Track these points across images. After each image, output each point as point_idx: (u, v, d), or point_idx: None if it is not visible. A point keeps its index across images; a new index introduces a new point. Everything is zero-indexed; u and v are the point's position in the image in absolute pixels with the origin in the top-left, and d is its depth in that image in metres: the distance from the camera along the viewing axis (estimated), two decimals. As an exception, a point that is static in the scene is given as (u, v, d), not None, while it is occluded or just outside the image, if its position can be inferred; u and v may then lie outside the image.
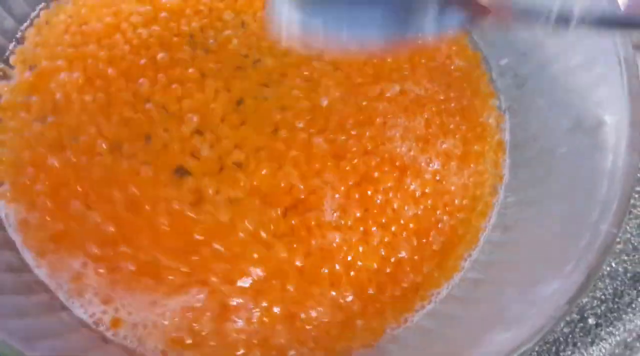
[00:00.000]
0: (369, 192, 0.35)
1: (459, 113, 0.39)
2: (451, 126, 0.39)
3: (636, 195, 0.42)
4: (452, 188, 0.38)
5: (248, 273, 0.33)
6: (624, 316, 0.40)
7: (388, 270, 0.35)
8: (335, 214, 0.35)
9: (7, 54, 0.37)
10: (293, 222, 0.34)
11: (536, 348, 0.39)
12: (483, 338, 0.29)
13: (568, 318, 0.39)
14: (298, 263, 0.34)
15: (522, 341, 0.26)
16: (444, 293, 0.35)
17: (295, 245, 0.34)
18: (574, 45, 0.34)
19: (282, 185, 0.34)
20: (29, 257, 0.33)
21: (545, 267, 0.30)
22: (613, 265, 0.41)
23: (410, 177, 0.36)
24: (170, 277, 0.32)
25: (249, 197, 0.34)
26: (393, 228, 0.35)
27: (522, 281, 0.32)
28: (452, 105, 0.39)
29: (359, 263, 0.35)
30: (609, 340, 0.39)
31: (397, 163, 0.36)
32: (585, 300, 0.40)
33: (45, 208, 0.33)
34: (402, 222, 0.36)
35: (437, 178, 0.37)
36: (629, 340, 0.39)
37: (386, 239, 0.35)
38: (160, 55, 0.36)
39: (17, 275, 0.32)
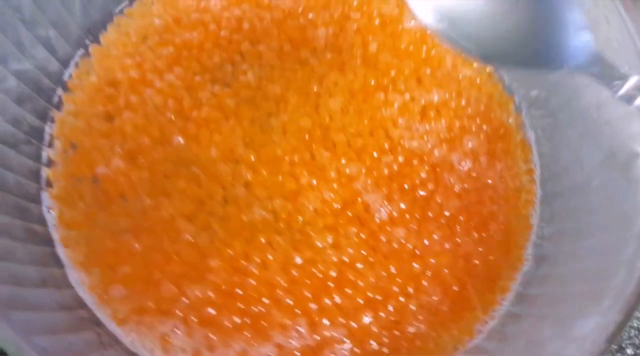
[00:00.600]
0: (406, 186, 0.38)
1: (479, 116, 0.41)
2: (473, 128, 0.40)
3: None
4: (489, 182, 0.39)
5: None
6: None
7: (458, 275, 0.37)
8: (384, 213, 0.37)
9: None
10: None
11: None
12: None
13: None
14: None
15: None
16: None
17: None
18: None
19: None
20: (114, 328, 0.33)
21: (583, 303, 0.30)
22: None
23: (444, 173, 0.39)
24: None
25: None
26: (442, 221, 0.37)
27: (559, 316, 0.32)
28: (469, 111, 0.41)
29: (433, 260, 0.36)
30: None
31: (425, 158, 0.39)
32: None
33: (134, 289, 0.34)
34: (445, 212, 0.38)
35: (473, 175, 0.39)
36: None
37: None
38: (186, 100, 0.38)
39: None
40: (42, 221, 0.35)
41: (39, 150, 0.36)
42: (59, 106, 0.38)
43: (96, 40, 0.40)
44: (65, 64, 0.39)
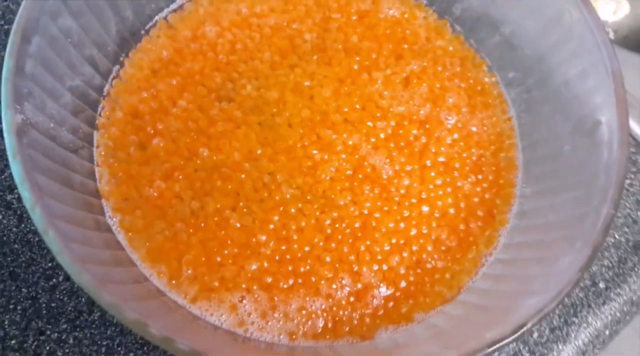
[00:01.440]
0: (402, 143, 0.45)
1: (457, 77, 0.48)
2: (452, 87, 0.48)
3: (632, 175, 0.50)
4: (474, 129, 0.46)
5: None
6: (628, 279, 0.48)
7: (462, 215, 0.44)
8: (389, 169, 0.44)
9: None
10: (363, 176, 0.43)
11: (557, 311, 0.47)
12: (515, 305, 0.36)
13: (582, 284, 0.48)
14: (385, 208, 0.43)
15: (546, 304, 0.33)
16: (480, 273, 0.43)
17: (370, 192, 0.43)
18: (569, 59, 0.41)
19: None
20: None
21: (560, 245, 0.37)
22: (616, 236, 0.48)
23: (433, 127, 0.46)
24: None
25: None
26: (441, 169, 0.45)
27: (542, 258, 0.39)
28: (447, 74, 0.48)
29: (439, 202, 0.44)
30: (618, 300, 0.48)
31: (414, 118, 0.46)
32: (595, 268, 0.48)
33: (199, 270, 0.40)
34: (441, 159, 0.45)
35: (459, 125, 0.46)
36: (634, 298, 0.47)
37: (447, 179, 0.45)
38: (201, 120, 0.44)
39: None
40: (104, 213, 0.41)
41: (92, 153, 0.43)
42: (99, 145, 0.43)
43: (127, 56, 0.46)
44: (105, 77, 0.45)
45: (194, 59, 0.46)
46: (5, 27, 0.51)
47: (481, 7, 0.47)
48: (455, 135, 0.46)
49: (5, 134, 0.32)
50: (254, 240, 0.41)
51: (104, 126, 0.43)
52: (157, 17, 0.48)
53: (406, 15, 0.50)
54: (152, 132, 0.43)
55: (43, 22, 0.36)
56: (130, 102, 0.44)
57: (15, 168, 0.31)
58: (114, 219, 0.41)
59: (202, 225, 0.41)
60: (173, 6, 0.48)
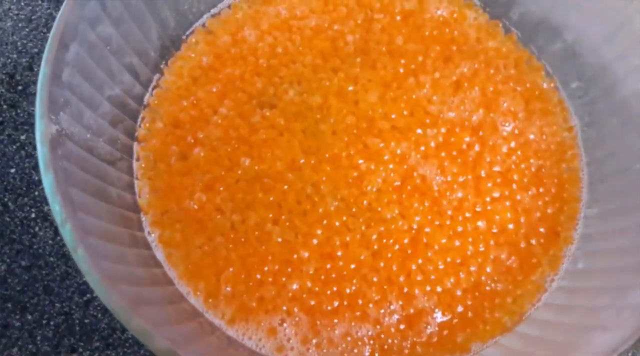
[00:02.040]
0: (454, 152, 0.42)
1: (511, 80, 0.45)
2: (506, 90, 0.44)
3: None
4: (532, 136, 0.43)
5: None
6: None
7: (523, 231, 0.41)
8: (440, 180, 0.41)
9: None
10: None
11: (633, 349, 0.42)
12: (581, 340, 0.33)
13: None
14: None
15: (618, 344, 0.29)
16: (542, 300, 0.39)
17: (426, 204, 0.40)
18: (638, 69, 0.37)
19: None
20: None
21: (633, 274, 0.34)
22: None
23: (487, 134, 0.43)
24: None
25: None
26: (498, 180, 0.41)
27: (611, 288, 0.35)
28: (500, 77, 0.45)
29: (497, 217, 0.40)
30: None
31: (466, 124, 0.43)
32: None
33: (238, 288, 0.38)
34: (496, 169, 0.42)
35: (516, 132, 0.43)
36: None
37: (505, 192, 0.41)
38: (242, 128, 0.42)
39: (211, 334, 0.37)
40: (142, 228, 0.39)
41: (131, 165, 0.41)
42: (139, 157, 0.42)
43: (167, 64, 0.44)
44: (146, 86, 0.43)
45: (234, 64, 0.44)
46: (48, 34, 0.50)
47: (541, 11, 0.44)
48: (512, 144, 0.43)
49: (38, 145, 0.30)
50: (295, 256, 0.38)
51: (145, 138, 0.42)
52: (197, 23, 0.46)
53: (455, 15, 0.46)
54: (192, 141, 0.42)
55: (82, 28, 0.34)
56: (171, 111, 0.43)
57: (47, 182, 0.29)
58: (153, 235, 0.39)
59: (243, 239, 0.39)
60: (214, 10, 0.46)
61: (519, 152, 0.42)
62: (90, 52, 0.35)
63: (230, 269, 0.38)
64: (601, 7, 0.40)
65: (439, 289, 0.38)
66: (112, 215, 0.36)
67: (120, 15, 0.38)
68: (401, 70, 0.44)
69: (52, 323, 0.41)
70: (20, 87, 0.48)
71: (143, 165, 0.41)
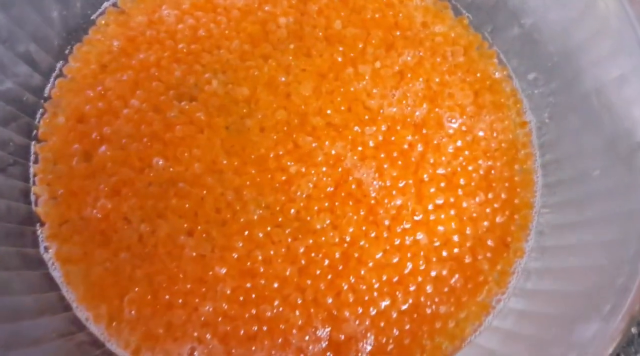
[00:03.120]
0: (394, 153, 0.37)
1: (460, 69, 0.40)
2: (454, 81, 0.40)
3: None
4: (481, 133, 0.39)
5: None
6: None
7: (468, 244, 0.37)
8: (378, 185, 0.36)
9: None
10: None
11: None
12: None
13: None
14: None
15: None
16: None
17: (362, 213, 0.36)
18: (603, 61, 0.32)
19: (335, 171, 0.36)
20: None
21: (584, 302, 0.30)
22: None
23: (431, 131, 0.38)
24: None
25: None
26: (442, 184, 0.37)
27: (561, 317, 0.31)
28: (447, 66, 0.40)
29: (441, 227, 0.36)
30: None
31: (409, 120, 0.38)
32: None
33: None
34: (441, 172, 0.37)
35: (463, 128, 0.38)
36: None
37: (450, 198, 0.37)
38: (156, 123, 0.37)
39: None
40: (37, 244, 0.35)
41: (27, 169, 0.36)
42: (37, 159, 0.37)
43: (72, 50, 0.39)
44: (47, 76, 0.38)
45: (149, 49, 0.39)
46: None
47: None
48: (459, 142, 0.38)
49: None
50: (210, 273, 0.34)
51: (44, 135, 0.37)
52: (108, 2, 0.40)
53: (400, -4, 0.41)
54: (98, 138, 0.37)
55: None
56: (75, 104, 0.37)
57: None
58: (50, 250, 0.35)
59: (151, 254, 0.34)
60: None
61: (466, 152, 0.38)
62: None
63: (136, 289, 0.33)
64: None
65: (372, 311, 0.34)
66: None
67: (10, -4, 0.33)
68: (339, 59, 0.39)
69: None
70: None
71: (41, 168, 0.36)
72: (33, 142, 0.37)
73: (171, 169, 0.36)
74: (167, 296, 0.33)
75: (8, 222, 0.33)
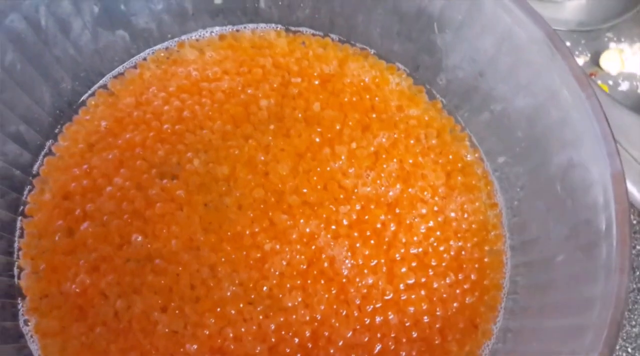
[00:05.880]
0: (367, 232, 0.38)
1: (433, 151, 0.41)
2: (427, 163, 0.41)
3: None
4: (452, 214, 0.39)
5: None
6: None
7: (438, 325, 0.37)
8: (350, 263, 0.37)
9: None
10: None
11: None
12: None
13: None
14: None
15: None
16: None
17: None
18: (563, 150, 0.33)
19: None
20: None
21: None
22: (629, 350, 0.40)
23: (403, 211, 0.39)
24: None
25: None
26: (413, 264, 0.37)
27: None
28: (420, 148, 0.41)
29: (411, 308, 0.36)
30: None
31: (382, 200, 0.39)
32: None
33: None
34: (413, 251, 0.38)
35: (435, 209, 0.39)
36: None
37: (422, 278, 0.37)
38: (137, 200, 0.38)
39: None
40: (16, 317, 0.35)
41: (12, 244, 0.37)
42: (22, 234, 0.38)
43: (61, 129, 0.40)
44: (36, 154, 0.40)
45: (135, 129, 0.40)
46: None
47: (470, 78, 0.40)
48: (431, 223, 0.39)
49: None
50: (182, 350, 0.34)
51: (31, 211, 0.38)
52: (98, 84, 0.42)
53: (377, 80, 0.43)
54: (81, 215, 0.38)
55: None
56: (62, 181, 0.39)
57: None
58: (30, 324, 0.35)
59: (125, 329, 0.35)
60: (119, 70, 0.43)
61: (438, 232, 0.39)
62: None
63: (107, 365, 0.34)
64: (531, 78, 0.36)
65: None
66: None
67: (1, 81, 0.35)
68: (317, 140, 0.40)
69: None
70: None
71: (26, 243, 0.37)
72: (20, 217, 0.38)
73: (149, 246, 0.37)
74: (138, 374, 0.34)
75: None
